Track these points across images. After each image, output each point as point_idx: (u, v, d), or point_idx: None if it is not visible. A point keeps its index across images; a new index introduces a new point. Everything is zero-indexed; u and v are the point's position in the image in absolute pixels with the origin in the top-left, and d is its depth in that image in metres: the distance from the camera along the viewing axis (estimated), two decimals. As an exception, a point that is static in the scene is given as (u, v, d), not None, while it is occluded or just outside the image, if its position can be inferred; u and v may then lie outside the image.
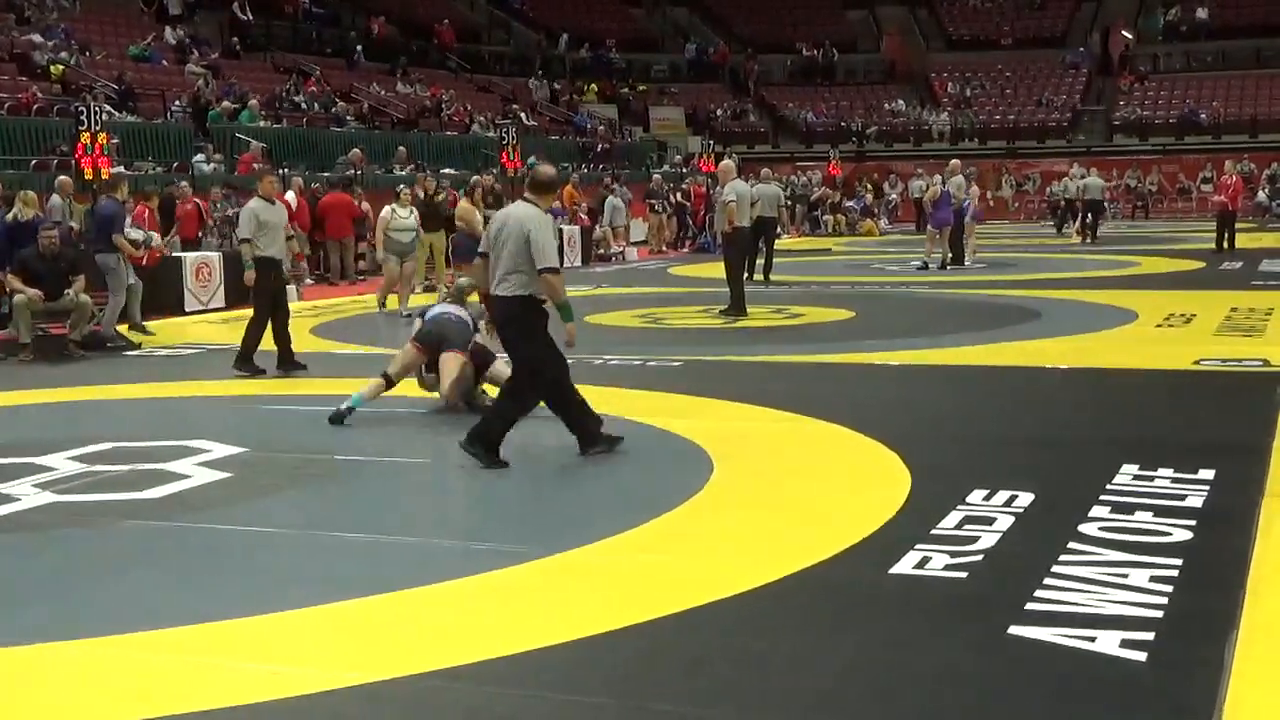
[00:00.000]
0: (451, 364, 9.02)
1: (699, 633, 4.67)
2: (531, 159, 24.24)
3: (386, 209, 16.44)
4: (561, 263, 8.89)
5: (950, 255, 21.96)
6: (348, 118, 28.77)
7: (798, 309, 15.52)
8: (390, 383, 9.15)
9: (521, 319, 7.35)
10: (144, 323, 14.75)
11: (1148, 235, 29.31)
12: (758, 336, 13.61)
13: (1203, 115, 40.59)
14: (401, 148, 26.53)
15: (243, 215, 11.68)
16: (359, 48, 34.35)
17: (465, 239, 15.92)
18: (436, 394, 9.31)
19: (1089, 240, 27.52)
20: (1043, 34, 46.93)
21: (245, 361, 11.33)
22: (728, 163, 16.66)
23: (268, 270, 11.37)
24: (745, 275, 15.91)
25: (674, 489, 6.72)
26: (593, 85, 42.32)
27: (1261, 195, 35.66)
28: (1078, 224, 29.10)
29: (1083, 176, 29.42)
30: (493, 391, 8.98)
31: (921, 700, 4.06)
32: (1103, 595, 4.89)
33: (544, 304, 7.41)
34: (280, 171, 22.19)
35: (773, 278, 19.40)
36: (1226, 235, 23.65)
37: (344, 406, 8.95)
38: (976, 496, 6.35)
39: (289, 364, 11.41)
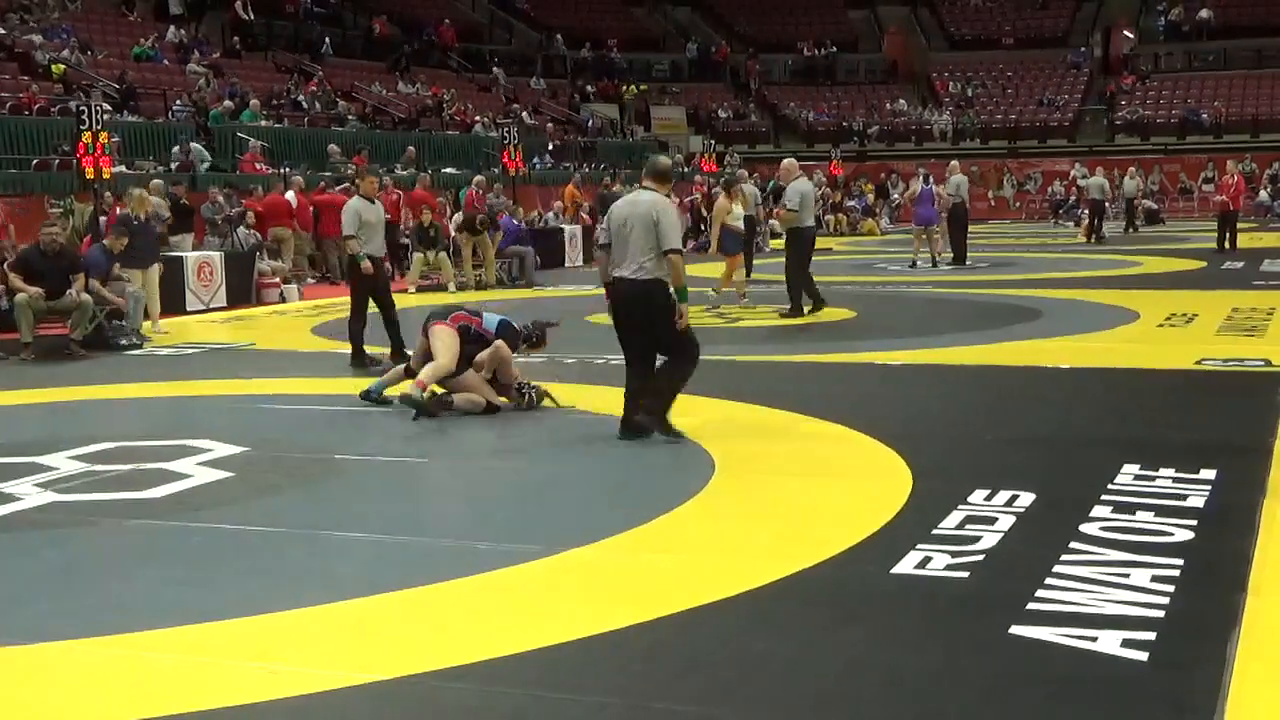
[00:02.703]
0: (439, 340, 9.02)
1: (699, 633, 4.67)
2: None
3: (724, 200, 16.77)
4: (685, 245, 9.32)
5: (952, 254, 22.00)
6: (349, 117, 28.78)
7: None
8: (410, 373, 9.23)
9: (661, 299, 7.81)
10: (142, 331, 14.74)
11: (1149, 235, 29.30)
12: (759, 336, 13.60)
13: (1204, 115, 40.59)
14: (411, 147, 26.60)
15: (346, 213, 11.91)
16: (326, 39, 33.96)
17: (729, 234, 16.12)
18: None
19: (1092, 240, 27.53)
20: (1044, 34, 46.99)
21: (358, 359, 11.51)
22: (790, 161, 16.52)
23: (372, 265, 11.68)
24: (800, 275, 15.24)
25: (675, 488, 6.72)
26: (633, 86, 42.45)
27: (1263, 195, 35.66)
28: (1085, 224, 29.17)
29: (1084, 177, 29.48)
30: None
31: (922, 700, 4.06)
32: (1104, 595, 4.88)
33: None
34: (282, 171, 22.26)
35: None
36: (1228, 235, 23.65)
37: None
38: (978, 496, 6.34)
39: (400, 354, 11.20)
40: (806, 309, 14.80)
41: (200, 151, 22.44)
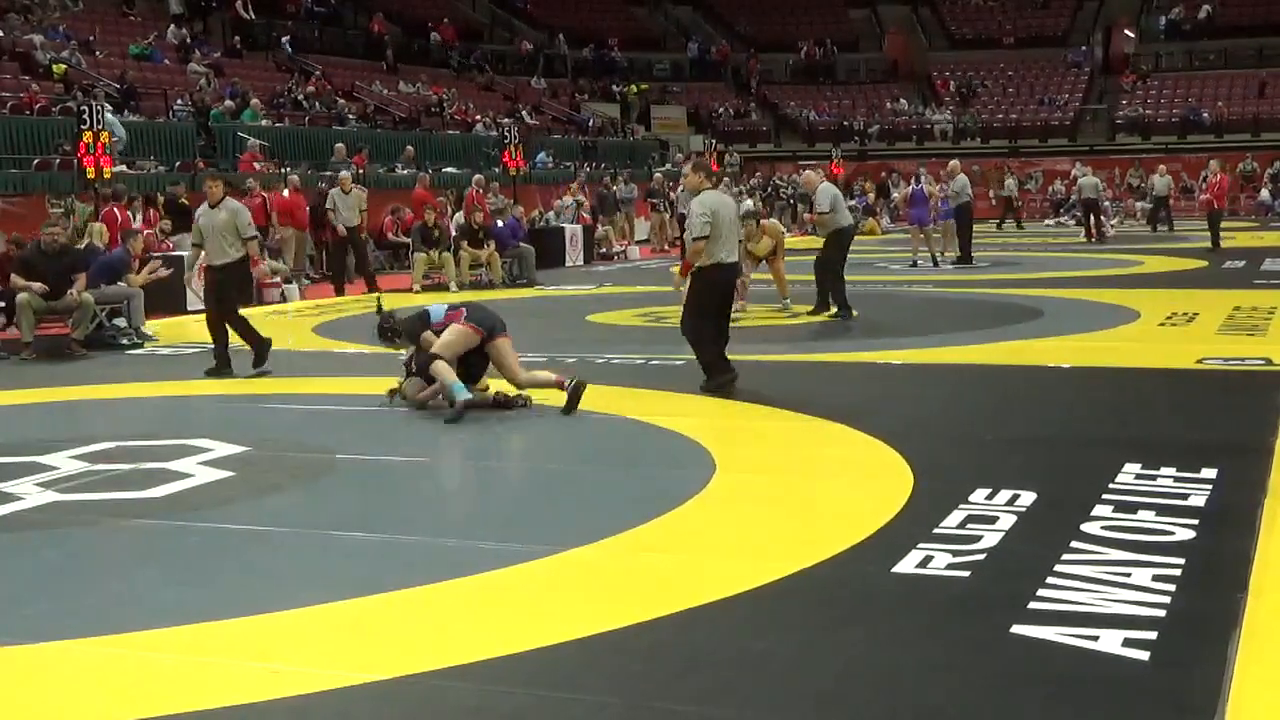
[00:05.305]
0: (508, 347, 9.07)
1: (699, 633, 4.66)
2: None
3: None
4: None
5: (958, 254, 22.01)
6: (349, 116, 28.77)
7: (799, 307, 15.49)
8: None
9: None
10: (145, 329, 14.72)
11: (1149, 235, 29.28)
12: (758, 335, 13.58)
13: (1205, 114, 40.57)
14: (410, 147, 26.59)
15: None
16: (285, 39, 33.19)
17: None
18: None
19: (1094, 240, 27.52)
20: (1045, 33, 46.98)
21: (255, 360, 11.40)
22: (810, 173, 16.30)
23: (214, 273, 11.39)
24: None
25: (675, 488, 6.71)
26: (634, 85, 42.37)
27: (1264, 194, 35.62)
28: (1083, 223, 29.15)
29: (1083, 175, 29.46)
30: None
31: (923, 699, 4.05)
32: (1105, 594, 4.87)
33: None
34: (283, 170, 22.26)
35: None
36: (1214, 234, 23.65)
37: (458, 402, 8.81)
38: (979, 495, 6.33)
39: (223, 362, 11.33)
40: (832, 309, 14.65)
41: (113, 124, 21.98)
